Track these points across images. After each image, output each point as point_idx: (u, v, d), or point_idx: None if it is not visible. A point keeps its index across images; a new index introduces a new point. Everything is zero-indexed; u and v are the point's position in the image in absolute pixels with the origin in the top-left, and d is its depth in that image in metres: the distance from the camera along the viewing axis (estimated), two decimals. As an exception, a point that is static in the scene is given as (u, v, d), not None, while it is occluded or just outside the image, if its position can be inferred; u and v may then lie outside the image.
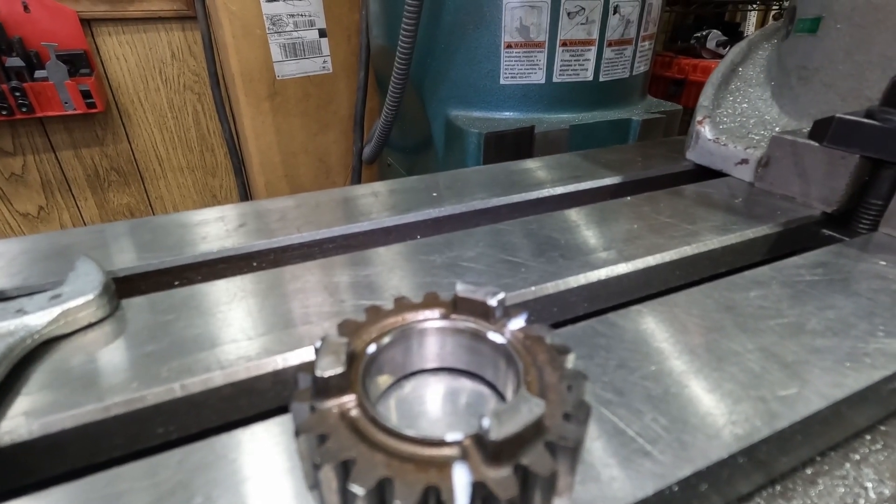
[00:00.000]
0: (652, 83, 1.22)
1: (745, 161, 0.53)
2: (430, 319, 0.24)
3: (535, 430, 0.17)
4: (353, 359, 0.21)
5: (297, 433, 0.18)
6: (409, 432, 0.18)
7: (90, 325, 0.30)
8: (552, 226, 0.43)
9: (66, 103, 1.29)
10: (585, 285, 0.36)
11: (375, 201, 0.49)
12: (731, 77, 0.62)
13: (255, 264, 0.42)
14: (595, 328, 0.29)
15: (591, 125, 0.91)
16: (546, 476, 0.16)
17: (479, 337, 0.23)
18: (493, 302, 0.23)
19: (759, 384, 0.25)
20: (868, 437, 0.27)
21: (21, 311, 0.28)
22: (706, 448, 0.22)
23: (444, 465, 0.17)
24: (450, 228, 0.47)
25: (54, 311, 0.29)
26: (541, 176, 0.56)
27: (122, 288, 0.34)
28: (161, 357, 0.28)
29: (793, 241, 0.45)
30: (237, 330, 0.30)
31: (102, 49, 1.39)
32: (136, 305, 0.32)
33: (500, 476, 0.16)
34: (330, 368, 0.19)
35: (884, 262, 0.36)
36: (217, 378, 0.26)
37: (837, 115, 0.42)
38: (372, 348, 0.22)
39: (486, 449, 0.16)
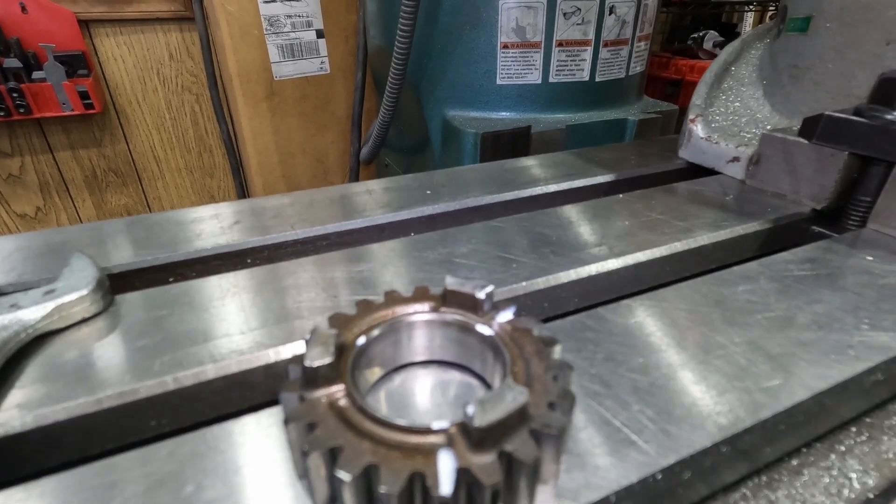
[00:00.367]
0: (649, 84, 1.23)
1: (736, 159, 0.53)
2: (420, 312, 0.24)
3: (519, 418, 0.17)
4: (342, 350, 0.21)
5: (287, 422, 0.18)
6: (396, 421, 0.18)
7: (84, 320, 0.30)
8: (545, 222, 0.43)
9: (63, 104, 1.30)
10: (576, 281, 0.36)
11: (370, 199, 0.50)
12: (724, 76, 0.62)
13: (249, 261, 0.42)
14: (584, 322, 0.30)
15: (588, 125, 0.91)
16: (530, 463, 0.17)
17: (467, 329, 0.24)
18: (481, 295, 0.23)
19: (744, 376, 0.25)
20: (853, 429, 0.28)
21: (15, 306, 0.29)
22: (690, 437, 0.22)
23: (430, 452, 0.17)
24: (444, 225, 0.47)
25: (48, 306, 0.29)
26: (535, 174, 0.57)
27: (116, 284, 0.35)
28: (154, 351, 0.28)
29: (783, 237, 0.45)
30: (230, 325, 0.30)
31: (100, 50, 1.39)
32: (129, 301, 0.33)
33: (484, 462, 0.16)
34: (319, 359, 0.19)
35: (871, 258, 0.37)
36: (209, 371, 0.27)
37: (826, 112, 0.43)
38: (361, 340, 0.22)
39: (470, 436, 0.17)
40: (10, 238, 0.41)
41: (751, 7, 2.26)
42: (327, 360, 0.19)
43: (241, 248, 0.41)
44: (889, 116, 0.40)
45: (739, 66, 0.63)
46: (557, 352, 0.22)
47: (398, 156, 1.27)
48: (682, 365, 0.26)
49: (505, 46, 0.87)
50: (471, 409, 0.17)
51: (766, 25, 0.67)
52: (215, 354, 0.27)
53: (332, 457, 0.17)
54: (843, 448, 0.27)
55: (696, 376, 0.26)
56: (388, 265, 0.37)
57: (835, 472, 0.25)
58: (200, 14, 1.29)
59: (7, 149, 1.40)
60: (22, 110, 1.26)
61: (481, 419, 0.16)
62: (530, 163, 0.61)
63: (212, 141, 1.64)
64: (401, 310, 0.24)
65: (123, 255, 0.39)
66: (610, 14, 0.88)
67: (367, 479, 0.17)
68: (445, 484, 0.16)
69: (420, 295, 0.25)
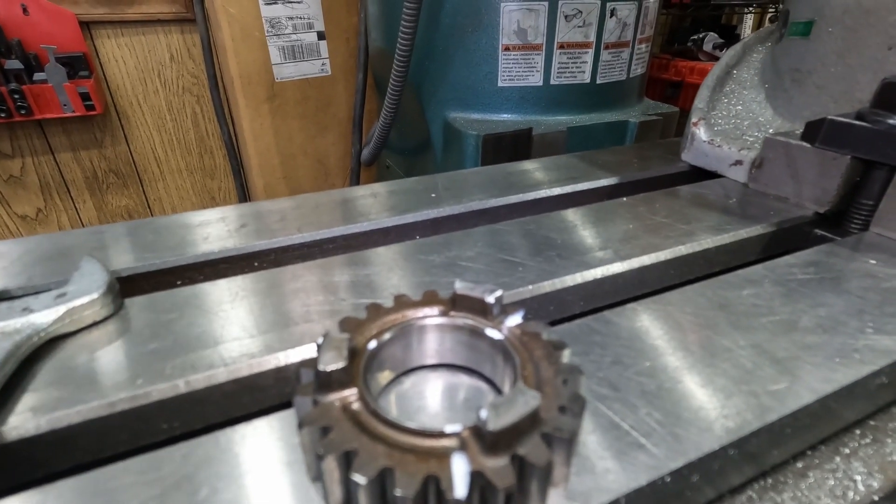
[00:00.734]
0: (649, 85, 1.23)
1: (739, 162, 0.53)
2: (430, 316, 0.24)
3: (531, 422, 0.18)
4: (354, 354, 0.22)
5: (301, 426, 0.19)
6: (410, 424, 0.18)
7: (95, 324, 0.31)
8: (549, 226, 0.44)
9: (64, 105, 1.30)
10: (582, 284, 0.36)
11: (375, 202, 0.50)
12: (726, 79, 0.63)
13: (256, 264, 0.42)
14: (591, 326, 0.30)
15: (589, 127, 0.92)
16: (542, 466, 0.17)
17: (477, 333, 0.24)
18: (490, 299, 0.24)
19: (750, 379, 0.26)
20: (858, 432, 0.28)
21: (27, 310, 0.29)
22: (698, 441, 0.22)
23: (444, 456, 0.17)
24: (448, 229, 0.48)
25: (60, 310, 0.29)
26: (538, 177, 0.57)
27: (125, 287, 0.35)
28: (165, 354, 0.28)
29: (786, 240, 0.46)
30: (239, 328, 0.30)
31: (101, 51, 1.39)
32: (139, 304, 0.33)
33: (497, 466, 0.17)
34: (332, 363, 0.19)
35: (874, 261, 0.37)
36: (220, 375, 0.27)
37: (829, 116, 0.43)
38: (373, 344, 0.22)
39: (483, 440, 0.17)
40: (18, 241, 0.41)
41: (750, 9, 2.26)
42: (340, 364, 0.19)
43: (249, 252, 0.42)
44: (891, 121, 0.40)
45: (741, 70, 0.63)
46: (567, 355, 0.22)
47: (399, 157, 1.27)
48: (689, 368, 0.27)
49: (506, 48, 0.87)
50: (484, 413, 0.17)
51: (768, 29, 0.67)
52: (226, 358, 0.28)
53: (347, 460, 0.17)
54: (847, 450, 0.27)
55: (703, 379, 0.26)
56: (395, 268, 0.37)
57: (840, 475, 0.25)
58: (202, 15, 1.29)
59: (8, 150, 1.40)
60: (23, 111, 1.26)
61: (495, 423, 0.17)
62: (533, 166, 0.61)
63: (213, 142, 1.64)
64: (411, 314, 0.24)
65: (132, 259, 0.39)
66: (611, 16, 0.88)
67: (381, 483, 0.17)
68: (460, 487, 0.16)
69: (430, 299, 0.25)
